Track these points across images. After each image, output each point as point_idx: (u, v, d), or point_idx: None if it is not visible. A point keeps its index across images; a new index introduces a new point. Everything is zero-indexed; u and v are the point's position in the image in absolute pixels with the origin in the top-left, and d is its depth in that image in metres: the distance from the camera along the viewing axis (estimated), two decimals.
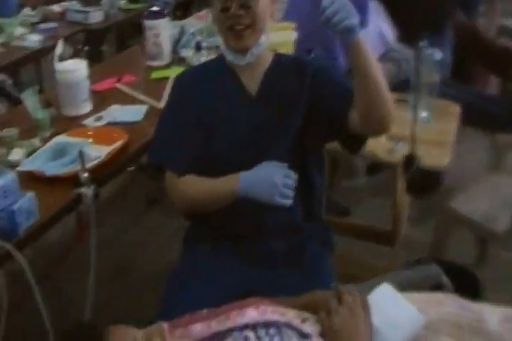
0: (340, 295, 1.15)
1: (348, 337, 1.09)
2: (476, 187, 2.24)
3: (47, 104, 2.20)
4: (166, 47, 2.54)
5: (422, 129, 2.01)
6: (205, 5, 3.99)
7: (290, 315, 1.12)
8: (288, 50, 1.95)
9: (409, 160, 1.79)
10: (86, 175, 1.73)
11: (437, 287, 1.38)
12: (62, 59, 2.11)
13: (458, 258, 2.12)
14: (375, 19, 2.54)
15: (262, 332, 1.08)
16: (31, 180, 1.79)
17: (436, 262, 2.09)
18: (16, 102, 2.51)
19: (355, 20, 1.35)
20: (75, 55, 3.41)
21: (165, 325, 1.06)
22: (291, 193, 1.43)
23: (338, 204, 2.77)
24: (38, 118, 2.03)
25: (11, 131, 1.98)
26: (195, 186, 1.57)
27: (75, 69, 2.13)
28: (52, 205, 1.72)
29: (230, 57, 1.59)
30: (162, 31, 2.50)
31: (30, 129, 2.05)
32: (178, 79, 1.70)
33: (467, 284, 1.87)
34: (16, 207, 1.56)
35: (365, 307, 1.14)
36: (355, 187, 3.16)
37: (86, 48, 3.27)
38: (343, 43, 2.42)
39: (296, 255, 1.56)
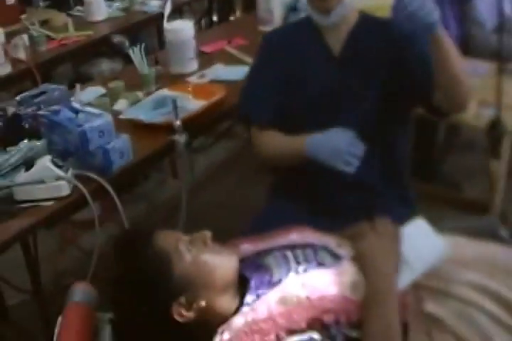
0: (374, 224, 1.23)
1: (372, 261, 1.16)
2: None
3: (155, 62, 2.36)
4: (277, 12, 2.60)
5: None
6: None
7: (328, 240, 1.22)
8: (384, 14, 1.93)
9: (494, 124, 1.74)
10: (179, 123, 1.85)
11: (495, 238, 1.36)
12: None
13: None
14: None
15: (299, 251, 1.18)
16: (130, 126, 1.94)
17: None
18: (127, 63, 2.69)
19: (436, 15, 1.37)
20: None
21: (209, 233, 1.15)
22: (355, 161, 1.44)
23: (449, 178, 2.72)
24: (144, 73, 2.18)
25: (118, 84, 2.14)
26: (273, 141, 1.64)
27: (182, 28, 2.25)
28: (147, 149, 1.86)
29: (315, 17, 1.62)
30: None
31: (137, 84, 2.20)
32: (267, 37, 1.76)
33: None
34: (110, 146, 1.71)
35: (396, 236, 1.21)
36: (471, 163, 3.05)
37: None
38: (453, 11, 2.44)
39: (367, 210, 1.58)
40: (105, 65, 2.87)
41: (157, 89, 2.20)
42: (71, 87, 2.78)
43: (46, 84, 2.17)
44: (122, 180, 1.82)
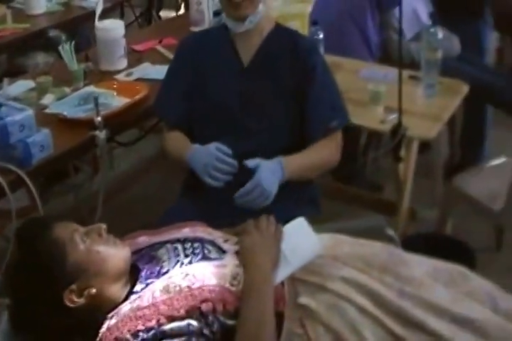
0: (257, 221, 1.34)
1: (252, 255, 1.27)
2: (482, 168, 2.34)
3: (85, 58, 2.45)
4: (208, 14, 2.71)
5: (423, 103, 2.13)
6: None
7: (216, 235, 1.34)
8: (302, 22, 2.08)
9: (395, 128, 1.89)
10: (99, 119, 1.95)
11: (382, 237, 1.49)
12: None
13: (478, 244, 2.23)
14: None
15: (188, 244, 1.29)
16: (55, 121, 2.05)
17: (434, 236, 2.22)
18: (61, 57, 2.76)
19: (270, 199, 1.58)
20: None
21: (104, 225, 1.26)
22: (222, 177, 1.60)
23: (370, 180, 2.88)
24: (72, 69, 2.27)
25: (47, 79, 2.23)
26: (173, 142, 1.80)
27: (113, 27, 2.35)
28: (68, 143, 1.96)
29: (229, 24, 1.72)
30: None
31: (67, 79, 2.30)
32: (183, 41, 1.86)
33: (462, 257, 1.98)
34: (30, 139, 1.81)
35: (277, 233, 1.33)
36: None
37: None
38: (373, 18, 2.59)
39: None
40: (40, 59, 2.94)
41: (85, 85, 2.29)
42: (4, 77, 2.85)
43: None
44: (42, 172, 1.92)
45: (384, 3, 2.53)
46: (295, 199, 1.74)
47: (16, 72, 2.92)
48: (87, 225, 1.28)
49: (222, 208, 1.66)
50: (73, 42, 2.30)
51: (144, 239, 1.35)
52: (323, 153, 1.72)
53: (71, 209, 2.66)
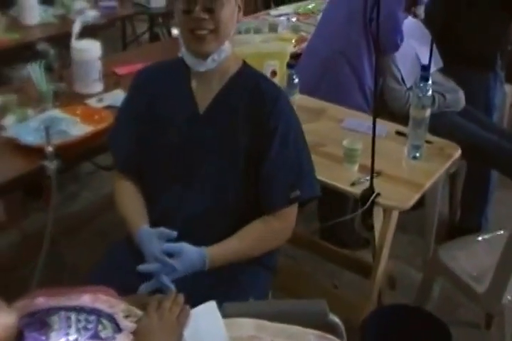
0: (162, 300, 1.21)
1: (147, 339, 1.14)
2: (473, 239, 2.12)
3: (59, 79, 2.33)
4: None
5: (406, 166, 1.94)
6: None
7: (118, 309, 1.19)
8: (281, 62, 1.93)
9: (366, 193, 1.71)
10: (50, 149, 1.82)
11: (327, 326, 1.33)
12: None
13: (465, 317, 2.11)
14: (410, 41, 2.45)
15: (82, 316, 1.15)
16: (8, 145, 1.92)
17: (410, 309, 2.02)
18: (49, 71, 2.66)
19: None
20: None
21: None
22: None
23: (357, 233, 2.69)
24: (41, 90, 2.15)
25: (10, 97, 2.11)
26: (123, 200, 1.62)
27: (89, 48, 2.24)
28: (15, 171, 1.83)
29: (189, 61, 1.54)
30: None
31: (36, 99, 2.18)
32: (138, 74, 1.69)
33: (438, 334, 1.80)
34: None
35: (181, 317, 1.19)
36: None
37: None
38: (371, 62, 2.43)
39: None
40: (26, 72, 2.82)
41: (54, 106, 2.17)
42: None
43: None
44: None
45: (383, 46, 2.37)
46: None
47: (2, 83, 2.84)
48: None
49: None
50: (44, 62, 2.19)
51: (41, 301, 1.21)
52: (270, 231, 1.53)
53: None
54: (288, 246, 2.50)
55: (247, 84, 1.55)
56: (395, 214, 1.78)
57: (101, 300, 1.19)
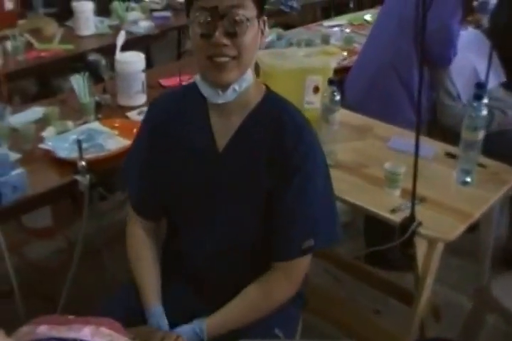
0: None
1: None
2: None
3: (103, 90, 2.32)
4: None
5: (454, 191, 1.78)
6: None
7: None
8: (324, 77, 1.82)
9: (406, 222, 1.58)
10: (83, 163, 1.79)
11: None
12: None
13: None
14: (468, 54, 2.29)
15: None
16: (45, 157, 1.91)
17: None
18: (99, 82, 2.66)
19: None
20: None
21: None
22: None
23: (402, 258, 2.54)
24: (83, 102, 2.14)
25: (52, 109, 2.10)
26: (134, 255, 1.50)
27: (132, 61, 2.21)
28: (48, 184, 1.82)
29: (206, 91, 1.35)
30: None
31: (78, 111, 2.17)
32: (152, 106, 1.51)
33: None
34: (1, 179, 1.68)
35: None
36: None
37: None
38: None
39: None
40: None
41: (96, 119, 2.15)
42: (37, 98, 2.78)
43: None
44: (14, 213, 1.77)
45: (434, 59, 2.22)
46: None
47: (52, 93, 2.87)
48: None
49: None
50: (86, 73, 2.17)
51: (43, 330, 1.16)
52: (273, 291, 1.39)
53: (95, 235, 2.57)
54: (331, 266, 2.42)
55: (270, 117, 1.37)
56: (439, 246, 1.63)
57: (102, 333, 1.13)
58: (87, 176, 1.80)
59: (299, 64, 1.83)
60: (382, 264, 2.35)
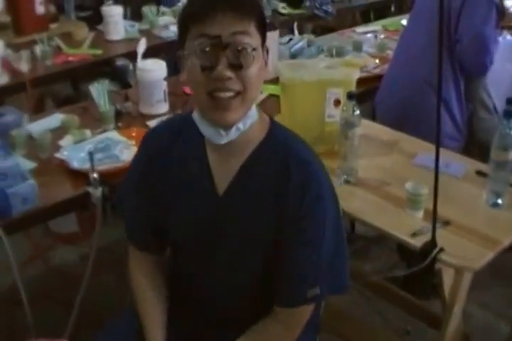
0: None
1: None
2: None
3: (125, 98, 2.27)
4: (272, 61, 2.41)
5: (483, 214, 1.65)
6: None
7: None
8: (347, 89, 1.71)
9: (427, 247, 1.47)
10: (95, 175, 1.75)
11: None
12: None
13: None
14: (506, 64, 2.15)
15: None
16: (59, 167, 1.88)
17: None
18: (125, 87, 2.63)
19: None
20: None
21: None
22: None
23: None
24: (102, 110, 2.10)
25: (70, 117, 2.07)
26: (138, 290, 1.39)
27: (154, 68, 2.15)
28: (60, 196, 1.78)
29: (206, 132, 1.20)
30: (269, 44, 2.34)
31: (97, 119, 2.13)
32: (146, 140, 1.36)
33: None
34: (12, 190, 1.65)
35: None
36: None
37: None
38: (457, 88, 2.15)
39: None
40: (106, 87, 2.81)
41: (116, 127, 2.11)
42: (66, 103, 2.76)
43: (9, 108, 2.14)
44: (24, 225, 1.74)
45: (470, 69, 2.09)
46: None
47: (79, 99, 2.85)
48: None
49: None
50: (106, 81, 2.13)
51: None
52: (271, 338, 1.29)
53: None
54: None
55: (275, 157, 1.22)
56: (467, 275, 1.51)
57: None
58: (100, 188, 1.76)
59: (319, 76, 1.74)
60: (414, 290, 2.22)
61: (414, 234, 1.53)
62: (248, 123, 1.19)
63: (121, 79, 2.74)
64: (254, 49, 1.11)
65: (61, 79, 2.91)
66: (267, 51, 1.19)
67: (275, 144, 1.23)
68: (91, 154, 1.73)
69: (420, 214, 1.60)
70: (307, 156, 1.23)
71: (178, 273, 1.43)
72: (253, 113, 1.20)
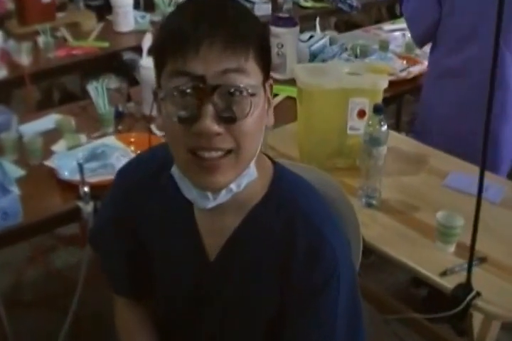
0: None
1: None
2: None
3: (127, 98, 2.06)
4: (291, 60, 2.20)
5: None
6: None
7: None
8: (372, 100, 1.48)
9: (460, 290, 1.25)
10: (86, 189, 1.54)
11: None
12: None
13: None
14: None
15: None
16: (48, 176, 1.68)
17: None
18: (133, 84, 2.42)
19: None
20: None
21: None
22: None
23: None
24: (100, 112, 1.89)
25: (65, 119, 1.87)
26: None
27: None
28: (46, 211, 1.57)
29: (189, 195, 0.91)
30: (288, 42, 2.16)
31: (97, 120, 1.92)
32: (120, 177, 1.09)
33: None
34: None
35: None
36: None
37: None
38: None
39: None
40: (112, 83, 2.60)
41: (115, 131, 1.91)
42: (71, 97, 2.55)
43: (1, 106, 1.95)
44: (3, 242, 1.54)
45: None
46: None
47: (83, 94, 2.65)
48: None
49: None
50: (105, 80, 1.91)
51: None
52: None
53: None
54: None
55: (277, 217, 0.94)
56: (495, 324, 1.29)
57: None
58: (91, 203, 1.56)
59: (341, 83, 1.50)
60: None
61: (444, 273, 1.31)
62: (244, 183, 0.89)
63: (129, 75, 2.52)
64: (252, 93, 0.82)
65: (64, 73, 2.70)
66: (271, 87, 0.90)
67: (279, 201, 0.95)
68: (80, 165, 1.52)
69: (452, 248, 1.37)
70: (317, 214, 0.96)
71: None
72: (251, 171, 0.90)
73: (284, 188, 0.96)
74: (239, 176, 0.88)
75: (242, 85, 0.81)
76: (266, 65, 0.87)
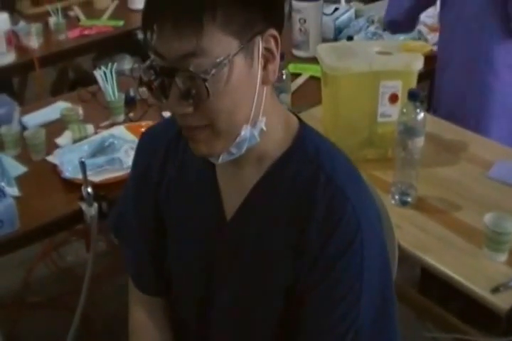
0: None
1: None
2: None
3: (139, 83, 1.83)
4: (314, 36, 1.92)
5: None
6: None
7: None
8: (406, 83, 1.23)
9: None
10: (89, 190, 1.34)
11: None
12: None
13: None
14: None
15: None
16: (51, 174, 1.48)
17: None
18: None
19: None
20: None
21: None
22: None
23: None
24: (109, 100, 1.67)
25: (72, 108, 1.65)
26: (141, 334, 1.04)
27: None
28: (47, 215, 1.37)
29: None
30: (311, 17, 1.89)
31: (107, 107, 1.71)
32: (139, 150, 1.01)
33: None
34: None
35: None
36: None
37: None
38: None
39: None
40: (127, 64, 2.37)
41: (126, 119, 1.69)
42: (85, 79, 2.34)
43: (4, 96, 1.75)
44: (3, 251, 1.35)
45: None
46: None
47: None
48: None
49: None
50: (115, 64, 1.69)
51: None
52: None
53: None
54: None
55: (300, 174, 0.84)
56: None
57: None
58: (95, 205, 1.36)
59: (371, 65, 1.24)
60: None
61: (496, 290, 1.07)
62: (245, 146, 0.81)
63: (144, 55, 2.29)
64: (204, 78, 0.72)
65: (75, 55, 2.48)
66: (275, 38, 0.77)
67: (300, 157, 0.85)
68: (83, 164, 1.31)
69: (503, 257, 1.13)
70: (341, 174, 0.84)
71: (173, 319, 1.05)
72: (248, 134, 0.79)
73: (308, 145, 0.86)
74: (233, 142, 0.80)
75: (193, 70, 0.73)
76: (251, 19, 0.74)
